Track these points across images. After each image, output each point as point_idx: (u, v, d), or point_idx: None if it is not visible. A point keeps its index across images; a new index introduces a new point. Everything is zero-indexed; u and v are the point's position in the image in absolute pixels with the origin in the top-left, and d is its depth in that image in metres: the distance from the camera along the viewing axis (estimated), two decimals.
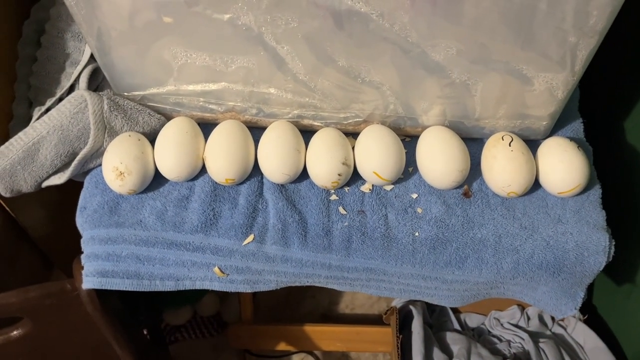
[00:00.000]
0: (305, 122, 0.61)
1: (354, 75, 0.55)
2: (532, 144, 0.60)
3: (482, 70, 0.53)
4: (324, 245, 0.55)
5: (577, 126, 0.63)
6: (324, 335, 0.98)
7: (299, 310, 1.09)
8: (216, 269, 0.56)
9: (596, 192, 0.58)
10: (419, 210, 0.57)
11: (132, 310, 0.76)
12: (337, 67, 0.54)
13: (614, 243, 0.55)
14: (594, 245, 0.55)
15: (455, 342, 0.77)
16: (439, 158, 0.56)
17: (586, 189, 0.57)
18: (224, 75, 0.56)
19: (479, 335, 0.82)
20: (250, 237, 0.55)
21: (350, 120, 0.60)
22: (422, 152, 0.57)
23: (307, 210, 0.57)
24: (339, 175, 0.55)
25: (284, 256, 0.56)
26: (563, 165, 0.55)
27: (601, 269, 0.55)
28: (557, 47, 0.50)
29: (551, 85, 0.54)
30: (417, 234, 0.55)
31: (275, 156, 0.56)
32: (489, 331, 0.83)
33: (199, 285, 0.57)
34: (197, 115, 0.62)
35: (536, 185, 0.57)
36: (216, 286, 0.57)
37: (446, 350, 0.76)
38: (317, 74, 0.55)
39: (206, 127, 0.61)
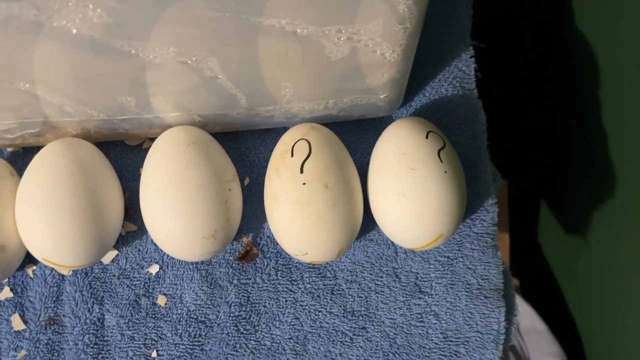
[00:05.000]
0: None
1: None
2: (374, 125, 0.32)
3: (199, 36, 0.23)
4: None
5: (461, 68, 0.34)
6: None
7: None
8: None
9: (487, 214, 0.31)
10: (161, 300, 0.30)
11: None
12: None
13: (516, 314, 0.30)
14: (477, 332, 0.29)
15: None
16: (165, 212, 0.28)
17: (468, 212, 0.31)
18: None
19: None
20: None
21: (19, 134, 0.31)
22: (144, 195, 0.29)
23: None
24: None
25: None
26: (408, 204, 0.27)
27: None
28: None
29: (362, 43, 0.24)
30: (154, 354, 0.30)
31: None
32: None
33: None
34: None
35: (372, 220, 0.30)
36: None
37: None
38: None
39: None
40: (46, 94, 0.27)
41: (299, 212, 0.27)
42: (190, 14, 0.22)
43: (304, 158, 0.28)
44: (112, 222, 0.29)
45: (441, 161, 0.27)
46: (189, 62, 0.25)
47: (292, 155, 0.28)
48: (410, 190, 0.27)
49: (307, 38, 0.23)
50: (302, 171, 0.27)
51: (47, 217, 0.28)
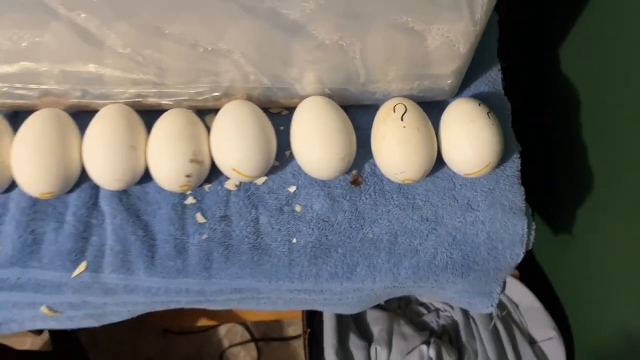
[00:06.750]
0: (150, 101, 0.47)
1: (189, 43, 0.41)
2: (439, 106, 0.48)
3: (355, 27, 0.40)
4: (177, 267, 0.43)
5: (494, 76, 0.51)
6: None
7: None
8: (44, 309, 0.45)
9: (514, 164, 0.47)
10: (298, 208, 0.45)
11: None
12: (163, 35, 0.40)
13: (534, 227, 0.45)
14: (509, 235, 0.44)
15: (376, 322, 0.68)
16: (315, 144, 0.43)
17: (501, 162, 0.46)
18: (17, 54, 0.41)
19: (405, 305, 0.74)
20: (82, 266, 0.43)
21: (207, 96, 0.47)
22: (296, 135, 0.45)
23: (155, 222, 0.44)
24: (188, 176, 0.43)
25: (127, 285, 0.44)
26: (469, 142, 0.43)
27: (519, 261, 0.45)
28: None
29: (448, 38, 0.41)
30: (294, 240, 0.44)
31: (102, 157, 0.43)
32: (416, 299, 0.75)
33: (30, 327, 0.46)
34: (8, 103, 0.47)
35: (441, 162, 0.46)
36: (52, 325, 0.46)
37: (365, 332, 0.68)
38: (140, 45, 0.41)
39: (26, 116, 0.46)
40: (245, 63, 0.43)
41: (400, 146, 0.43)
42: (356, 10, 0.38)
43: (402, 112, 0.44)
44: (272, 152, 0.45)
45: (489, 118, 0.44)
46: (344, 44, 0.41)
47: (394, 112, 0.44)
48: (471, 134, 0.43)
49: (419, 33, 0.40)
50: (402, 120, 0.43)
51: (237, 140, 0.43)
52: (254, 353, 0.98)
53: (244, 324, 0.99)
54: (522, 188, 0.46)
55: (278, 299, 0.48)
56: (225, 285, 0.45)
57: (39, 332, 0.86)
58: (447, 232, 0.44)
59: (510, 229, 0.45)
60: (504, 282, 0.48)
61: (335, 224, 0.45)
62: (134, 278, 0.43)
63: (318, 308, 0.50)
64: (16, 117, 0.48)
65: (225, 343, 0.99)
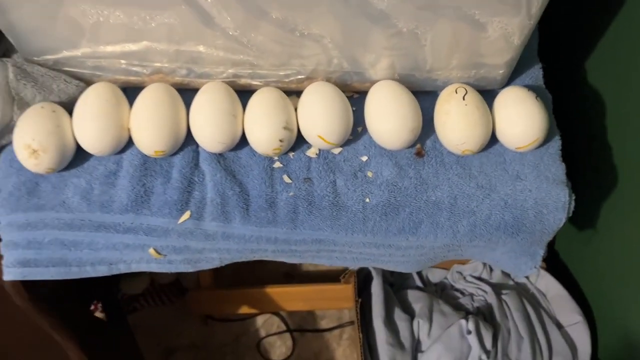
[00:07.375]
0: (243, 81, 0.55)
1: (290, 28, 0.49)
2: (489, 94, 0.56)
3: (430, 17, 0.48)
4: (268, 218, 0.51)
5: (536, 72, 0.59)
6: (286, 297, 0.96)
7: (261, 270, 1.06)
8: (151, 250, 0.52)
9: (555, 143, 0.54)
10: (370, 174, 0.52)
11: (79, 286, 0.71)
12: (270, 19, 0.48)
13: (574, 197, 0.52)
14: (553, 201, 0.51)
15: (417, 300, 0.75)
16: (387, 117, 0.51)
17: (545, 141, 0.54)
18: (144, 34, 0.50)
19: (441, 290, 0.81)
20: (187, 214, 0.50)
21: (292, 78, 0.55)
22: (370, 111, 0.53)
23: (249, 181, 0.52)
24: (281, 141, 0.50)
25: (224, 233, 0.51)
26: (520, 119, 0.51)
27: (561, 225, 0.52)
28: None
29: (506, 30, 0.49)
30: (367, 200, 0.51)
31: (208, 123, 0.50)
32: (451, 285, 0.81)
33: (135, 268, 0.53)
34: (121, 80, 0.55)
35: (493, 139, 0.53)
36: (154, 268, 0.53)
37: (408, 309, 0.74)
38: (248, 29, 0.49)
39: (133, 91, 0.54)
40: (332, 47, 0.51)
41: (462, 121, 0.50)
42: (435, 2, 0.46)
43: (464, 94, 0.52)
44: (350, 124, 0.52)
45: (537, 101, 0.51)
46: (419, 32, 0.49)
47: (456, 93, 0.52)
48: (523, 113, 0.50)
49: (482, 24, 0.48)
50: (463, 99, 0.51)
51: (324, 111, 0.51)
52: (290, 343, 1.03)
53: (279, 314, 1.05)
54: (564, 164, 0.53)
55: (348, 254, 0.55)
56: (308, 235, 0.52)
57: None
58: (499, 197, 0.52)
59: (554, 197, 0.52)
60: (546, 247, 0.55)
61: (403, 188, 0.52)
62: (231, 226, 0.51)
63: (381, 265, 0.57)
64: (124, 91, 0.56)
65: (262, 332, 1.05)
